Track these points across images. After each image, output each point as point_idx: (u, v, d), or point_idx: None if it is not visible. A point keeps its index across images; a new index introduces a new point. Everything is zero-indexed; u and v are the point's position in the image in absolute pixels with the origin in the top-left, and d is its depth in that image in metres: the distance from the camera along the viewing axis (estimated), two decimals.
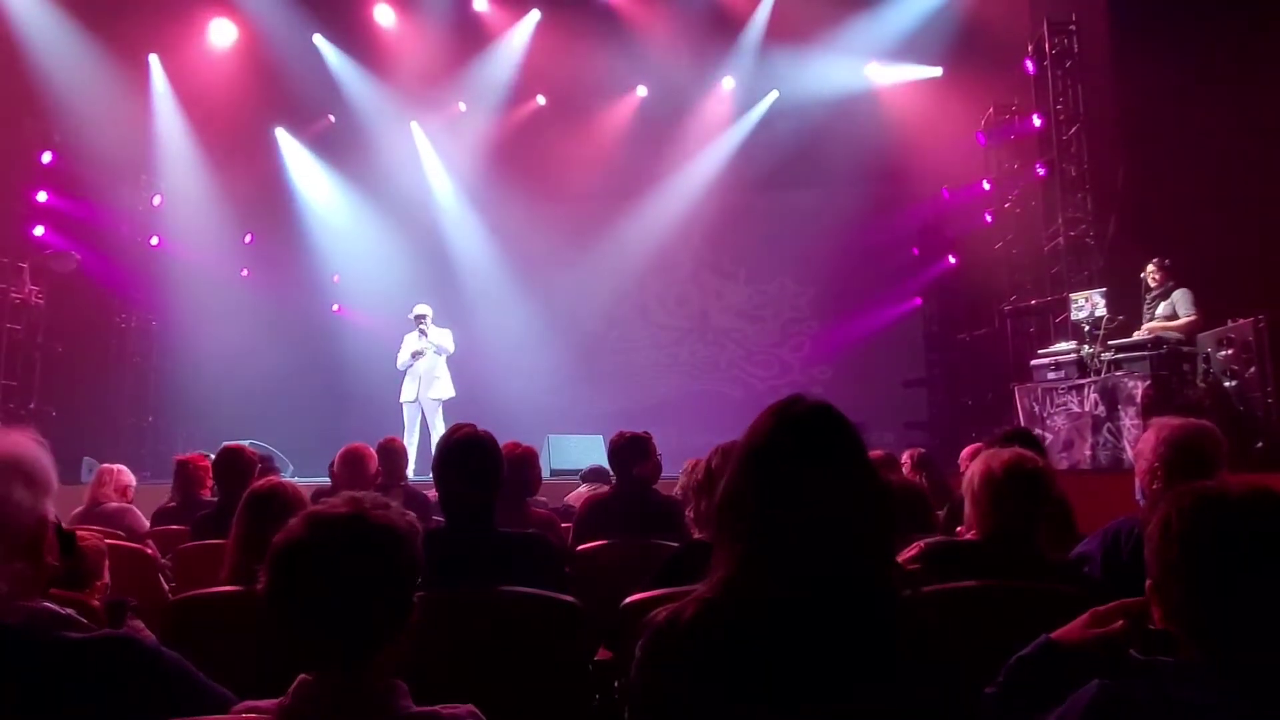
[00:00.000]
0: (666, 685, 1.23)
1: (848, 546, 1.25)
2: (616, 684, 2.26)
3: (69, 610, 1.43)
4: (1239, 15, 7.14)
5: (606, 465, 4.21)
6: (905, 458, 5.02)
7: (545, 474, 5.37)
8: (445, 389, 8.63)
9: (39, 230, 8.70)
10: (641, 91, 10.89)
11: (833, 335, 10.65)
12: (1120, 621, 1.59)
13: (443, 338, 8.65)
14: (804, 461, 1.28)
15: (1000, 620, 1.87)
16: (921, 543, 2.22)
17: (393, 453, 4.62)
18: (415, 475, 7.87)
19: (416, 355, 8.59)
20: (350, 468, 4.16)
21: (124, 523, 4.07)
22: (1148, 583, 1.25)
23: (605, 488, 4.46)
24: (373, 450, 4.46)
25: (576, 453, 7.71)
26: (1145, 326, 6.93)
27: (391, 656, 1.28)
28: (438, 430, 8.20)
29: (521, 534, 2.50)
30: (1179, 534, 1.20)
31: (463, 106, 10.99)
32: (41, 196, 8.73)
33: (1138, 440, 2.48)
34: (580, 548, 3.42)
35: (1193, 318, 6.72)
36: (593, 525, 3.72)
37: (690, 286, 10.99)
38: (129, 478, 4.64)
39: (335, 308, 11.31)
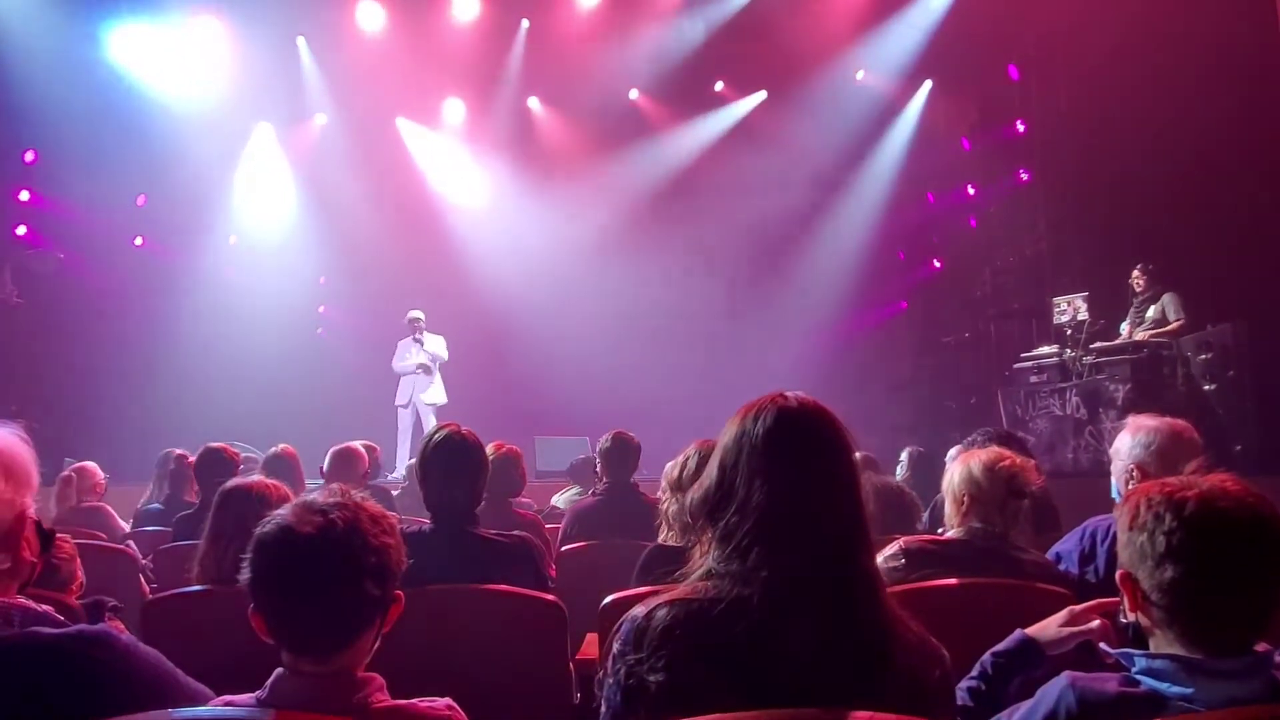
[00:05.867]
0: (639, 680, 1.22)
1: (827, 544, 1.24)
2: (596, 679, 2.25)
3: (46, 607, 1.42)
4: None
5: (594, 457, 4.23)
6: (904, 456, 5.07)
7: (531, 476, 5.38)
8: (438, 394, 8.67)
9: (21, 229, 8.62)
10: (633, 94, 10.90)
11: (818, 339, 10.67)
12: (1097, 620, 1.61)
13: (436, 345, 8.71)
14: (788, 459, 1.27)
15: (980, 618, 1.89)
16: (901, 541, 2.23)
17: (352, 458, 4.37)
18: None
19: (422, 368, 8.64)
20: (342, 467, 4.15)
21: (100, 521, 4.04)
22: (1119, 573, 1.27)
23: (589, 492, 4.45)
24: (363, 450, 4.45)
25: (563, 454, 7.71)
26: (1136, 332, 6.98)
27: (368, 648, 1.28)
28: None
29: (505, 535, 2.47)
30: (1145, 525, 1.22)
31: (452, 107, 10.97)
32: (24, 195, 8.65)
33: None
34: (566, 548, 3.42)
35: (1182, 320, 6.80)
36: (580, 530, 3.72)
37: (674, 290, 11.00)
38: (99, 474, 4.60)
39: (321, 309, 11.24)
